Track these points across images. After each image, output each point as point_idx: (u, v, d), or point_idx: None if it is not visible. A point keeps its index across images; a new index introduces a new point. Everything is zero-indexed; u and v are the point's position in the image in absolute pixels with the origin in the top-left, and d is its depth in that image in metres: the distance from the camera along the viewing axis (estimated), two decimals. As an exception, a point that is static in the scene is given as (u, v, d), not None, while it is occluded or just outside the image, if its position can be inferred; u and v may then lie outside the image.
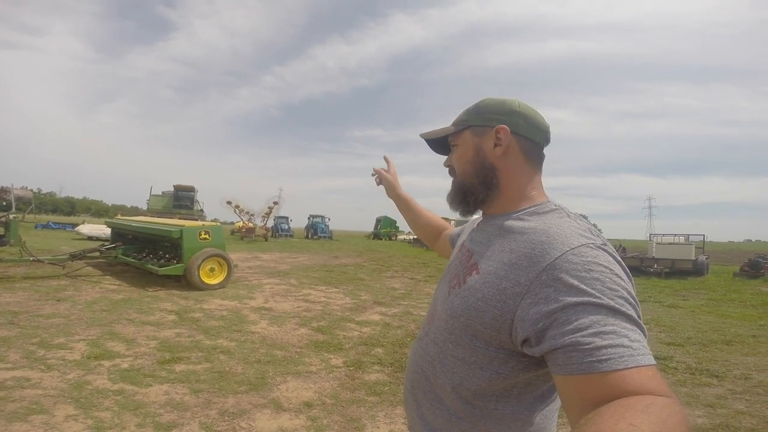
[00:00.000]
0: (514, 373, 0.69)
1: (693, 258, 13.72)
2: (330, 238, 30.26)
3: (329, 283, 9.15)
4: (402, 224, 33.59)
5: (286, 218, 31.25)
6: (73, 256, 8.01)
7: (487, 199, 0.83)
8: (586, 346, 0.54)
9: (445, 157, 0.94)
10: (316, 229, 31.12)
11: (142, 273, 8.11)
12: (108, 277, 7.93)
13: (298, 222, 34.46)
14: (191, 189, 22.90)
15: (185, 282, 7.19)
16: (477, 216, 0.92)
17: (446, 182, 0.93)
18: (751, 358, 4.72)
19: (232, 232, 25.80)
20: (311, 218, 33.23)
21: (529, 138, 0.81)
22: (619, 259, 0.65)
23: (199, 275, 7.12)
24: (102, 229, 16.86)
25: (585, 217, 0.76)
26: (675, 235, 16.56)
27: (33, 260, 7.40)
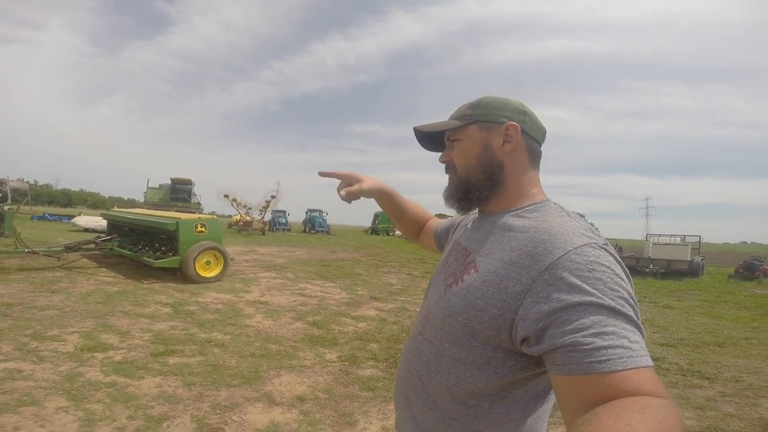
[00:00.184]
0: (512, 373, 0.69)
1: (689, 259, 13.78)
2: (327, 232, 30.23)
3: (326, 277, 9.15)
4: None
5: (284, 212, 31.20)
6: (69, 248, 7.98)
7: (490, 196, 0.82)
8: (586, 347, 0.54)
9: (439, 154, 0.92)
10: (314, 224, 31.09)
11: (138, 265, 8.08)
12: (103, 269, 7.90)
13: (296, 216, 34.40)
14: (188, 182, 22.86)
15: (181, 275, 7.18)
16: (472, 213, 0.91)
17: (443, 179, 0.91)
18: (743, 361, 4.75)
19: (230, 226, 25.76)
20: (309, 212, 33.17)
21: (533, 137, 0.82)
22: (620, 259, 0.65)
23: (195, 268, 7.10)
24: (98, 221, 16.78)
25: (582, 216, 0.76)
26: (671, 235, 16.63)
27: (28, 252, 7.36)
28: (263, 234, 24.17)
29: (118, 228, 9.28)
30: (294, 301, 6.45)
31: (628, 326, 0.56)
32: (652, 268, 13.56)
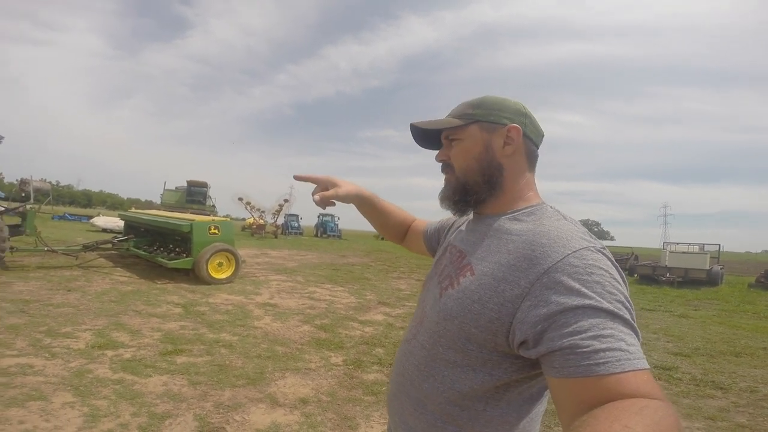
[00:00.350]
0: (507, 376, 0.69)
1: (707, 268, 13.46)
2: (339, 237, 30.41)
3: (335, 281, 9.19)
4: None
5: (297, 216, 31.53)
6: (86, 248, 8.20)
7: (487, 198, 0.81)
8: (585, 349, 0.54)
9: (435, 152, 0.90)
10: (326, 228, 31.31)
11: (153, 265, 8.25)
12: (119, 268, 8.08)
13: (308, 220, 34.76)
14: (204, 185, 23.19)
15: (193, 276, 7.30)
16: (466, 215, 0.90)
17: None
18: (760, 371, 4.62)
19: (243, 228, 26.08)
20: (321, 217, 33.41)
21: (532, 140, 0.82)
22: (615, 262, 0.65)
23: (207, 269, 7.21)
24: (116, 222, 17.19)
25: (573, 221, 0.75)
26: (689, 244, 16.28)
27: (47, 250, 7.58)
28: (276, 237, 24.43)
29: (134, 229, 9.49)
30: (303, 304, 6.49)
31: (625, 329, 0.56)
32: (669, 276, 13.26)
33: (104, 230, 16.94)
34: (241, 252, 8.30)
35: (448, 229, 1.02)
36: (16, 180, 9.20)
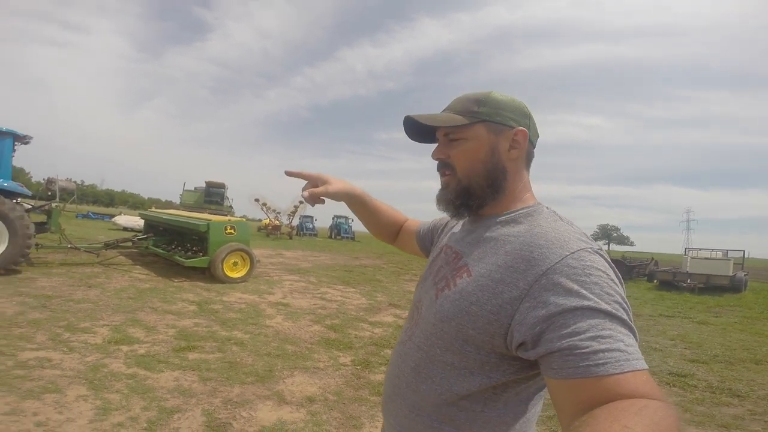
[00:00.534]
0: (505, 376, 0.69)
1: (730, 274, 13.06)
2: (352, 239, 30.52)
3: (347, 282, 9.24)
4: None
5: (311, 218, 31.76)
6: (107, 245, 8.45)
7: (489, 202, 0.80)
8: (584, 350, 0.54)
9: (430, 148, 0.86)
10: (340, 230, 31.48)
11: (170, 264, 8.44)
12: (138, 266, 8.30)
13: (323, 222, 34.98)
14: (222, 186, 23.57)
15: (209, 274, 7.44)
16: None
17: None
18: (780, 380, 4.47)
19: (259, 229, 26.38)
20: (335, 219, 33.61)
21: (532, 142, 0.81)
22: (612, 264, 0.65)
23: (222, 268, 7.35)
24: (136, 221, 17.63)
25: (569, 222, 0.75)
26: (712, 249, 15.85)
27: (70, 247, 7.84)
28: (290, 238, 24.66)
29: (153, 228, 9.74)
30: (314, 304, 6.55)
31: (623, 330, 0.56)
32: (690, 283, 12.92)
33: (125, 229, 17.38)
34: (257, 252, 8.43)
35: (442, 230, 1.02)
36: (43, 179, 9.53)
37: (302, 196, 0.95)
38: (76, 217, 21.82)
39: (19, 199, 7.04)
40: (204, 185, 23.58)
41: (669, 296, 11.79)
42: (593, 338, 0.54)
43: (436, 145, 0.85)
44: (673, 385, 4.06)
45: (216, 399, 2.88)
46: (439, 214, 0.92)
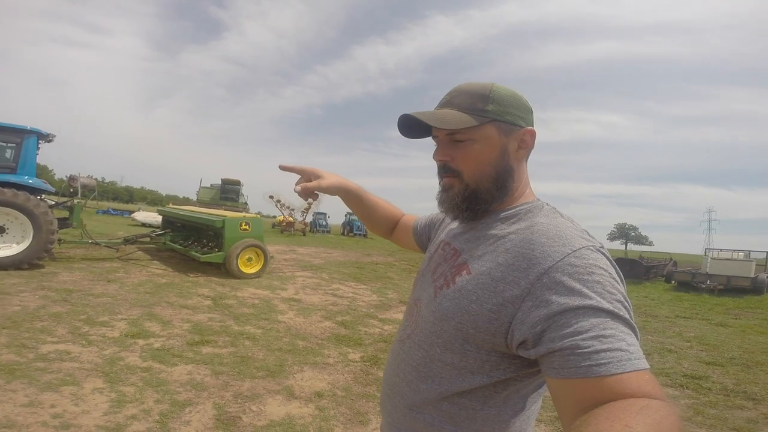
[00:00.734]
0: (505, 375, 0.68)
1: (752, 276, 12.69)
2: (365, 236, 30.61)
3: (359, 279, 9.30)
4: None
5: (325, 214, 32.05)
6: (127, 241, 8.71)
7: (495, 204, 0.78)
8: (586, 350, 0.53)
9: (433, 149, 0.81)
10: (352, 227, 31.61)
11: (187, 259, 8.63)
12: (155, 261, 8.50)
13: (336, 219, 35.21)
14: (237, 183, 23.86)
15: (224, 270, 7.58)
16: None
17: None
18: (800, 384, 4.36)
19: (273, 226, 26.71)
20: (348, 216, 33.74)
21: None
22: (614, 262, 0.65)
23: (237, 264, 7.48)
24: (154, 217, 18.02)
25: (569, 218, 0.74)
26: (734, 250, 15.43)
27: (91, 243, 8.08)
28: (304, 235, 24.89)
29: (171, 224, 9.97)
30: (326, 300, 6.62)
31: (625, 329, 0.56)
32: (709, 284, 12.61)
33: (143, 225, 17.78)
34: (270, 248, 8.54)
35: (439, 225, 1.00)
36: (65, 176, 9.80)
37: (295, 190, 0.95)
38: (97, 213, 22.41)
39: (43, 196, 7.28)
40: (220, 182, 23.92)
41: (687, 297, 11.54)
42: (595, 338, 0.54)
43: (437, 146, 0.81)
44: (687, 387, 4.00)
45: (227, 393, 2.95)
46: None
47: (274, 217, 31.31)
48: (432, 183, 0.86)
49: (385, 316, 6.00)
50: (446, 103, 0.78)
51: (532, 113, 0.78)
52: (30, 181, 6.84)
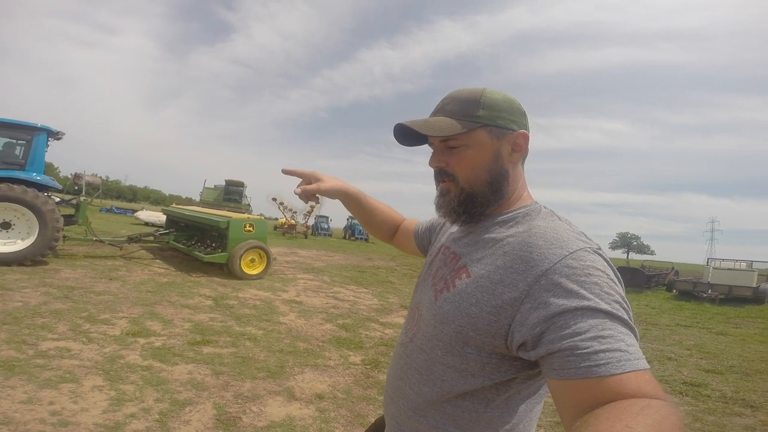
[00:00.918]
0: (506, 377, 0.69)
1: (754, 285, 12.68)
2: (366, 240, 30.63)
3: (360, 283, 9.30)
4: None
5: (327, 218, 32.12)
6: (131, 239, 8.74)
7: (491, 207, 0.79)
8: (585, 351, 0.54)
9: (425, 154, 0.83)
10: (354, 231, 31.65)
11: (189, 258, 8.65)
12: (158, 260, 8.52)
13: (338, 222, 35.26)
14: (241, 184, 23.94)
15: (227, 270, 7.60)
16: None
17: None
18: (799, 393, 4.35)
19: (275, 228, 26.72)
20: (350, 219, 33.76)
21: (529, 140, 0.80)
22: (611, 263, 0.65)
23: (240, 265, 7.51)
24: (157, 216, 18.11)
25: (567, 221, 0.75)
26: (736, 260, 15.42)
27: (96, 240, 8.11)
28: (306, 238, 24.92)
29: (175, 223, 10.01)
30: (327, 303, 6.62)
31: (624, 329, 0.56)
32: (711, 293, 12.58)
33: (146, 223, 17.84)
34: (272, 250, 8.56)
35: (440, 229, 1.01)
36: (70, 174, 9.86)
37: (295, 192, 0.96)
38: (100, 211, 22.51)
39: (49, 193, 7.33)
40: (224, 183, 24.00)
41: (688, 306, 11.51)
42: (594, 338, 0.54)
43: (432, 152, 0.82)
44: (686, 395, 4.01)
45: (227, 393, 2.95)
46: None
47: (277, 219, 31.33)
48: (434, 189, 0.87)
49: (386, 320, 6.00)
50: (439, 110, 0.79)
51: (525, 116, 0.79)
52: (38, 178, 6.88)
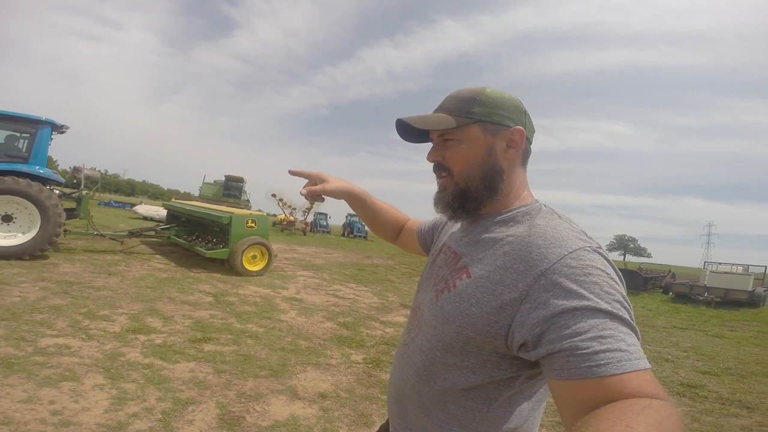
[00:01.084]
0: (507, 375, 0.69)
1: (749, 289, 12.79)
2: (365, 237, 30.67)
3: (359, 281, 9.30)
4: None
5: (326, 215, 32.09)
6: (132, 234, 8.70)
7: (486, 203, 0.79)
8: (585, 351, 0.54)
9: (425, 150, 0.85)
10: (353, 228, 31.66)
11: (189, 254, 8.62)
12: (158, 256, 8.49)
13: (337, 220, 35.25)
14: (240, 180, 23.87)
15: (228, 266, 7.59)
16: None
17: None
18: (794, 395, 4.41)
19: (274, 224, 26.68)
20: (349, 217, 33.79)
21: (528, 139, 0.80)
22: (612, 262, 0.65)
23: (241, 261, 7.49)
24: (156, 210, 18.11)
25: (567, 220, 0.74)
26: (732, 264, 15.56)
27: (96, 234, 8.07)
28: (304, 234, 24.90)
29: (176, 218, 9.98)
30: (327, 301, 6.62)
31: (625, 329, 0.56)
32: (707, 296, 12.68)
33: (145, 218, 17.82)
34: (272, 247, 8.54)
35: (442, 228, 1.02)
36: (69, 167, 9.80)
37: (301, 193, 0.98)
38: (99, 204, 22.40)
39: (51, 186, 7.28)
40: (223, 178, 23.92)
41: (684, 309, 11.59)
42: (594, 338, 0.54)
43: (431, 146, 0.85)
44: (683, 396, 4.07)
45: (230, 392, 2.94)
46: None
47: (275, 215, 31.30)
48: (436, 188, 0.89)
49: (387, 319, 6.00)
50: (439, 108, 0.82)
51: (525, 115, 0.79)
52: (41, 171, 6.84)
